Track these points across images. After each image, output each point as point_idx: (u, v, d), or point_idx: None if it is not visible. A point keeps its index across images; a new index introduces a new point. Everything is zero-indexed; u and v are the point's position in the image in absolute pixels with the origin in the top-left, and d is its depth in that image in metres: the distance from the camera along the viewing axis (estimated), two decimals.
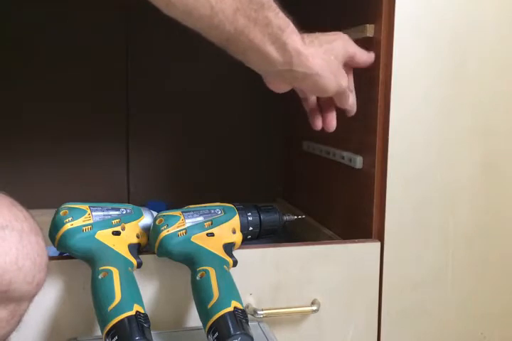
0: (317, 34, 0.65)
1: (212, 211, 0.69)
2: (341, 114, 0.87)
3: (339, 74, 0.66)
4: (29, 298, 0.53)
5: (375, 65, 0.75)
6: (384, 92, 0.74)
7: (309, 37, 0.63)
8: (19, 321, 0.54)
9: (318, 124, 0.74)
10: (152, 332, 0.57)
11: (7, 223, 0.50)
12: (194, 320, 0.67)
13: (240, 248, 0.70)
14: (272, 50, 0.60)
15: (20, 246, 0.50)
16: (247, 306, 0.70)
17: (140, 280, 0.64)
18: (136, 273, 0.63)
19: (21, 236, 0.50)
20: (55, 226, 0.64)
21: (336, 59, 0.66)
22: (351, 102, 0.72)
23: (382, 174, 0.75)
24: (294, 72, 0.62)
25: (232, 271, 0.64)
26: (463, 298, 0.79)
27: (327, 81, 0.64)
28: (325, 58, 0.64)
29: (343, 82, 0.66)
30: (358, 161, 0.80)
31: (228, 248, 0.67)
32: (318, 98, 0.74)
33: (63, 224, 0.64)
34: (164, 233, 0.65)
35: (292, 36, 0.60)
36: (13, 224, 0.50)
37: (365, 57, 0.71)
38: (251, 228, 0.71)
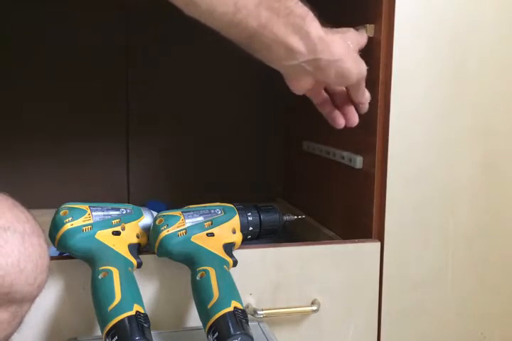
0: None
1: (212, 211, 0.69)
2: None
3: (359, 60, 0.65)
4: (30, 299, 0.52)
5: (375, 64, 0.75)
6: (384, 92, 0.74)
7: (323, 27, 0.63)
8: (20, 322, 0.54)
9: (341, 121, 0.72)
10: (152, 332, 0.57)
11: (9, 224, 0.50)
12: (194, 320, 0.67)
13: (240, 248, 0.70)
14: (295, 41, 0.59)
15: (22, 248, 0.49)
16: (247, 306, 0.70)
17: (140, 280, 0.64)
18: (136, 273, 0.63)
19: (23, 238, 0.50)
20: (55, 226, 0.64)
21: (352, 45, 0.66)
22: (367, 95, 0.71)
23: (382, 174, 0.75)
24: (317, 60, 0.61)
25: (232, 271, 0.64)
26: (463, 298, 0.79)
27: (350, 66, 0.63)
28: (344, 44, 0.63)
29: (363, 68, 0.66)
30: (358, 161, 0.80)
31: (228, 248, 0.67)
32: (332, 97, 0.73)
33: (63, 224, 0.64)
34: (164, 233, 0.65)
35: (313, 24, 0.60)
36: (15, 225, 0.50)
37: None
38: (251, 228, 0.71)
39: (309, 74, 0.63)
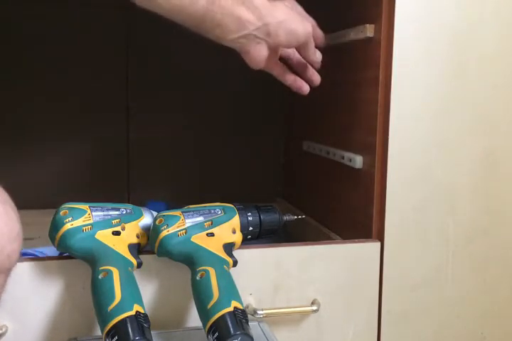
0: None
1: (212, 211, 0.69)
2: (342, 113, 0.87)
3: (302, 20, 0.70)
4: (2, 271, 0.50)
5: (375, 65, 0.75)
6: (384, 92, 0.74)
7: None
8: None
9: (306, 87, 0.76)
10: (152, 332, 0.57)
11: None
12: (194, 320, 0.67)
13: (239, 248, 0.70)
14: (243, 10, 0.64)
15: None
16: (247, 306, 0.70)
17: (140, 280, 0.64)
18: (136, 273, 0.63)
19: None
20: (55, 226, 0.64)
21: (291, 6, 0.71)
22: (318, 53, 0.75)
23: (382, 174, 0.75)
24: (266, 25, 0.66)
25: (232, 271, 0.64)
26: (463, 298, 0.79)
27: (295, 25, 0.68)
28: (284, 7, 0.68)
29: (307, 26, 0.70)
30: (358, 161, 0.80)
31: (228, 248, 0.67)
32: (289, 67, 0.77)
33: (63, 224, 0.64)
34: (164, 233, 0.65)
35: None
36: None
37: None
38: (251, 228, 0.71)
39: (262, 41, 0.67)
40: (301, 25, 0.69)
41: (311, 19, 0.73)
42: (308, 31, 0.70)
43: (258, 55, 0.69)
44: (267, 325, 0.68)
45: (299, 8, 0.73)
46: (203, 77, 1.16)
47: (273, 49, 0.71)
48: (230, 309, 0.58)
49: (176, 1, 0.61)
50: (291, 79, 0.76)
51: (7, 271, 0.51)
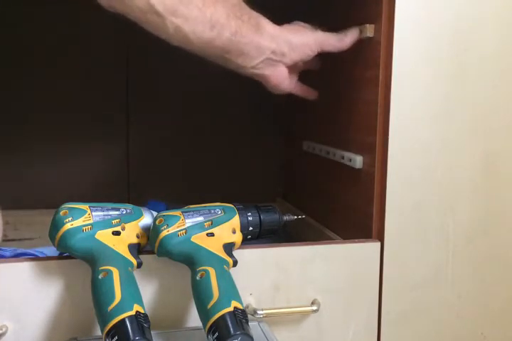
0: None
1: (212, 211, 0.69)
2: (342, 113, 0.87)
3: (307, 33, 0.76)
4: None
5: (375, 64, 0.75)
6: (384, 92, 0.74)
7: None
8: None
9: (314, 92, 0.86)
10: (152, 332, 0.57)
11: None
12: (194, 320, 0.67)
13: (240, 248, 0.70)
14: (260, 37, 0.71)
15: None
16: (247, 306, 0.70)
17: (140, 280, 0.64)
18: (136, 273, 0.63)
19: None
20: (55, 226, 0.64)
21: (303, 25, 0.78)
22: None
23: (382, 174, 0.75)
24: (280, 46, 0.72)
25: (232, 271, 0.64)
26: (463, 298, 0.79)
27: (306, 36, 0.75)
28: (288, 28, 0.75)
29: (317, 34, 0.77)
30: (358, 161, 0.80)
31: (228, 248, 0.67)
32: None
33: (63, 224, 0.64)
34: (164, 233, 0.65)
35: (265, 21, 0.72)
36: None
37: None
38: (251, 228, 0.71)
39: (278, 63, 0.74)
40: (311, 36, 0.75)
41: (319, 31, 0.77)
42: (319, 40, 0.75)
43: (278, 78, 0.75)
44: (267, 325, 0.68)
45: (307, 25, 0.78)
46: (203, 76, 1.16)
47: (291, 68, 0.77)
48: (230, 309, 0.58)
49: (206, 35, 0.67)
50: (309, 93, 0.85)
51: None
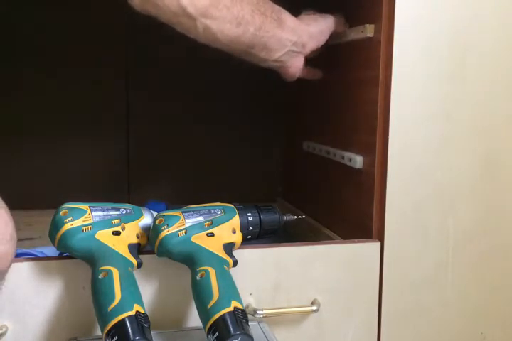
0: None
1: (212, 211, 0.69)
2: (342, 113, 0.87)
3: (321, 20, 0.80)
4: None
5: (375, 64, 0.75)
6: (384, 92, 0.74)
7: None
8: None
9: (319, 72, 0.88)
10: (152, 332, 0.57)
11: None
12: (194, 320, 0.67)
13: (240, 248, 0.70)
14: (282, 31, 0.73)
15: None
16: (247, 306, 0.70)
17: (140, 280, 0.64)
18: (136, 273, 0.63)
19: None
20: (55, 226, 0.64)
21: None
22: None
23: (382, 174, 0.75)
24: (301, 38, 0.75)
25: (232, 271, 0.64)
26: (463, 298, 0.79)
27: (320, 27, 0.78)
28: (304, 19, 0.78)
29: (329, 20, 0.81)
30: (358, 161, 0.80)
31: (228, 248, 0.67)
32: None
33: (63, 224, 0.64)
34: (164, 233, 0.65)
35: (286, 14, 0.74)
36: None
37: None
38: (251, 228, 0.71)
39: (298, 54, 0.77)
40: (324, 24, 0.79)
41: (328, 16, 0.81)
42: (331, 28, 0.80)
43: (297, 67, 0.78)
44: (267, 325, 0.68)
45: (316, 13, 0.81)
46: (203, 76, 1.16)
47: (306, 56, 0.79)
48: (230, 309, 0.58)
49: (232, 33, 0.69)
50: (315, 74, 0.87)
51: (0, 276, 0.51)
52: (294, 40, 0.74)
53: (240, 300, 0.60)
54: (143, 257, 0.66)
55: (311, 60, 0.82)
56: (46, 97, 1.11)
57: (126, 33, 1.13)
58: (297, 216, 0.78)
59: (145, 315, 0.57)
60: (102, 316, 0.57)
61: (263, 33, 0.71)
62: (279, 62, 0.76)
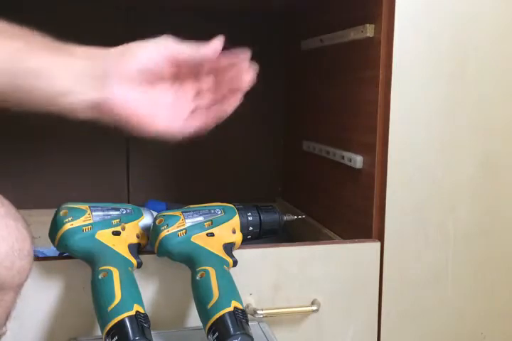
0: None
1: (212, 211, 0.69)
2: (342, 113, 0.87)
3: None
4: (12, 287, 0.50)
5: (375, 64, 0.75)
6: (384, 92, 0.74)
7: None
8: (7, 315, 0.52)
9: None
10: (152, 332, 0.57)
11: None
12: (194, 320, 0.67)
13: (240, 248, 0.70)
14: None
15: None
16: (247, 306, 0.70)
17: (140, 280, 0.64)
18: (136, 273, 0.63)
19: None
20: (55, 226, 0.64)
21: None
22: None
23: (382, 174, 0.75)
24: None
25: (232, 271, 0.64)
26: (463, 297, 0.79)
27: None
28: None
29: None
30: (358, 161, 0.80)
31: (228, 248, 0.67)
32: None
33: (63, 224, 0.64)
34: (164, 233, 0.65)
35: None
36: None
37: None
38: (251, 228, 0.71)
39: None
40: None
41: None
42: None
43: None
44: (267, 325, 0.68)
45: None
46: None
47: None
48: (230, 309, 0.58)
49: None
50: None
51: (17, 288, 0.51)
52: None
53: (240, 300, 0.60)
54: (143, 257, 0.66)
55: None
56: None
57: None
58: (297, 216, 0.78)
59: (145, 315, 0.57)
60: (102, 316, 0.57)
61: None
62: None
